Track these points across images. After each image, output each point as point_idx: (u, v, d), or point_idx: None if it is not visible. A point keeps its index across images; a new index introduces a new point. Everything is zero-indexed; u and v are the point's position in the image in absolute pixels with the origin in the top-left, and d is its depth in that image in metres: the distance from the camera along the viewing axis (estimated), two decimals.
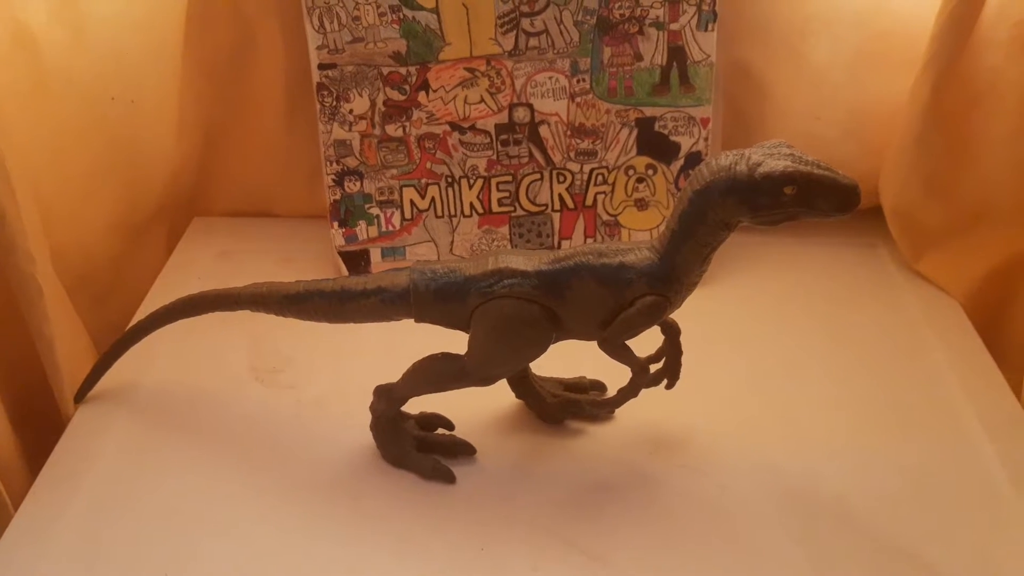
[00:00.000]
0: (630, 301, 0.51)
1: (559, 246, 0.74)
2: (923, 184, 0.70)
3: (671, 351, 0.56)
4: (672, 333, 0.56)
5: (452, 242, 0.73)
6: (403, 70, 0.69)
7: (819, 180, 0.46)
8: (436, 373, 0.54)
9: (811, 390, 0.63)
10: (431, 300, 0.52)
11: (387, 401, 0.56)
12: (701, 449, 0.58)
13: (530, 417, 0.61)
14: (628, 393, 0.56)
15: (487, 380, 0.55)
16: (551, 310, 0.52)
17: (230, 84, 0.75)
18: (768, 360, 0.66)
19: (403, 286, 0.53)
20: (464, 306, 0.52)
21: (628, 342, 0.54)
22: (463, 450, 0.58)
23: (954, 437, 0.59)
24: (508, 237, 0.73)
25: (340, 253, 0.73)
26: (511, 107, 0.70)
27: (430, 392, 0.56)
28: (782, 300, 0.72)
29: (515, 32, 0.68)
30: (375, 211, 0.72)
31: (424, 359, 0.55)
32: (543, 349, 0.53)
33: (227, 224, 0.82)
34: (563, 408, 0.60)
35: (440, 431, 0.59)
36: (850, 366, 0.65)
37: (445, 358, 0.54)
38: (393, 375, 0.56)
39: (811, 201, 0.46)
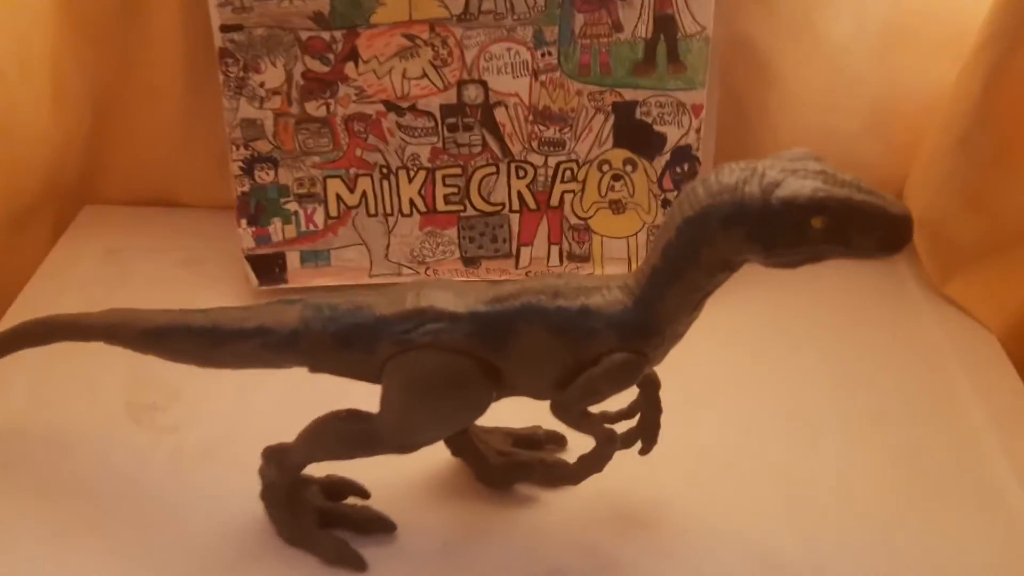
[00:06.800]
0: (594, 358, 0.43)
1: (518, 252, 0.69)
2: (962, 193, 0.66)
3: (647, 408, 0.49)
4: (650, 388, 0.49)
5: (388, 246, 0.68)
6: (326, 35, 0.64)
7: (860, 208, 0.38)
8: (338, 437, 0.47)
9: (816, 453, 0.58)
10: (329, 346, 0.45)
11: (278, 468, 0.48)
12: (680, 530, 0.53)
13: (469, 480, 0.54)
14: (591, 465, 0.49)
15: (405, 448, 0.47)
16: (490, 363, 0.44)
17: (118, 47, 0.70)
18: (764, 415, 0.60)
19: (292, 326, 0.45)
20: (373, 356, 0.44)
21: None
22: (379, 526, 0.51)
23: (992, 510, 0.54)
24: (456, 241, 0.69)
25: (248, 258, 0.67)
26: (460, 84, 0.66)
27: (332, 459, 0.49)
28: (783, 334, 0.67)
29: None
30: (293, 207, 0.67)
31: (324, 418, 0.47)
32: (479, 413, 0.46)
33: (121, 214, 0.77)
34: (510, 471, 0.53)
35: (351, 500, 0.52)
36: (865, 421, 0.60)
37: (351, 418, 0.46)
38: (304, 418, 0.48)
39: (847, 237, 0.38)
